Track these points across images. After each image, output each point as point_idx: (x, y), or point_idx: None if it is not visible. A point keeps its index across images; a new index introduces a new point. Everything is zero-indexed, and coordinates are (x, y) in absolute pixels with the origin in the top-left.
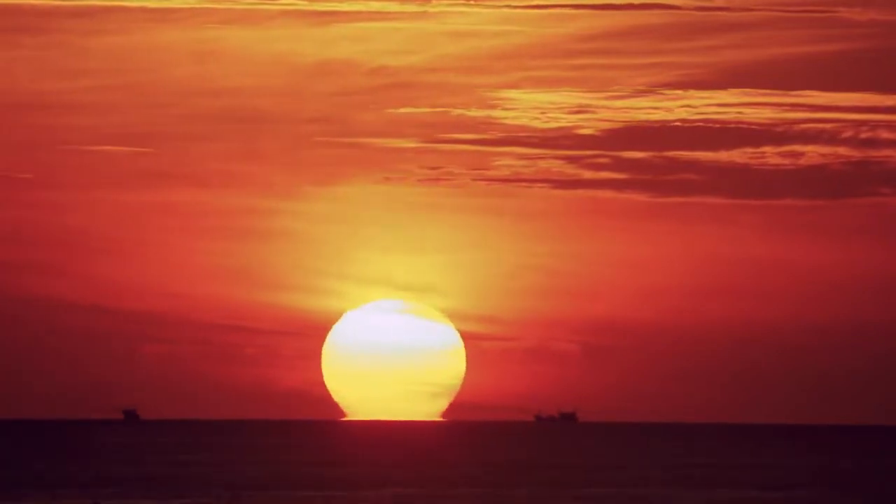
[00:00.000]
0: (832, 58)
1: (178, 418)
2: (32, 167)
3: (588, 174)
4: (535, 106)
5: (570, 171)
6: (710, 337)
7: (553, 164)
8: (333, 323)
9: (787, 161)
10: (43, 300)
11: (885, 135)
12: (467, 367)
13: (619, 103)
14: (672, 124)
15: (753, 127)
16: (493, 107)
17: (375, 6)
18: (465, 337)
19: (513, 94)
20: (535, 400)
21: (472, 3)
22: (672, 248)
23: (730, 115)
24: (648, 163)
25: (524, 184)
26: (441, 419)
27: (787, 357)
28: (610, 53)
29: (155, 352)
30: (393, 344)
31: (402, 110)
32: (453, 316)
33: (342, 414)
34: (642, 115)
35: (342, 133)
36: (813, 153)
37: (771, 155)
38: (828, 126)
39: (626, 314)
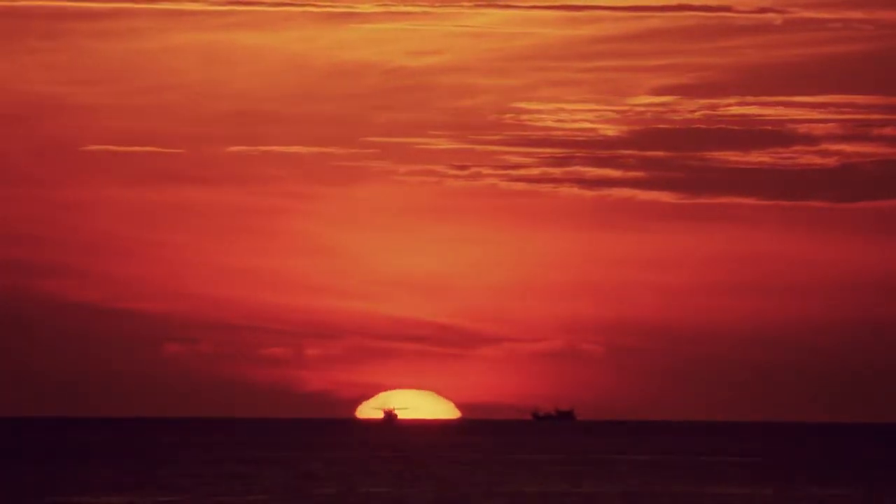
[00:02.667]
0: (860, 58)
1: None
2: (52, 169)
3: (615, 174)
4: (560, 107)
5: (598, 171)
6: (738, 336)
7: (580, 165)
8: (356, 324)
9: (815, 162)
10: (64, 300)
11: None
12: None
13: (645, 104)
14: (698, 125)
15: (781, 128)
16: (517, 109)
17: (394, 7)
18: (489, 338)
19: (537, 94)
20: (562, 401)
21: (496, 5)
22: (701, 247)
23: (758, 116)
24: (675, 163)
25: (551, 184)
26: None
27: (817, 357)
28: (635, 55)
29: (176, 351)
30: None
31: (424, 112)
32: (475, 316)
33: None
34: (669, 116)
35: (363, 133)
36: (841, 154)
37: (800, 156)
38: (857, 127)
39: (652, 314)
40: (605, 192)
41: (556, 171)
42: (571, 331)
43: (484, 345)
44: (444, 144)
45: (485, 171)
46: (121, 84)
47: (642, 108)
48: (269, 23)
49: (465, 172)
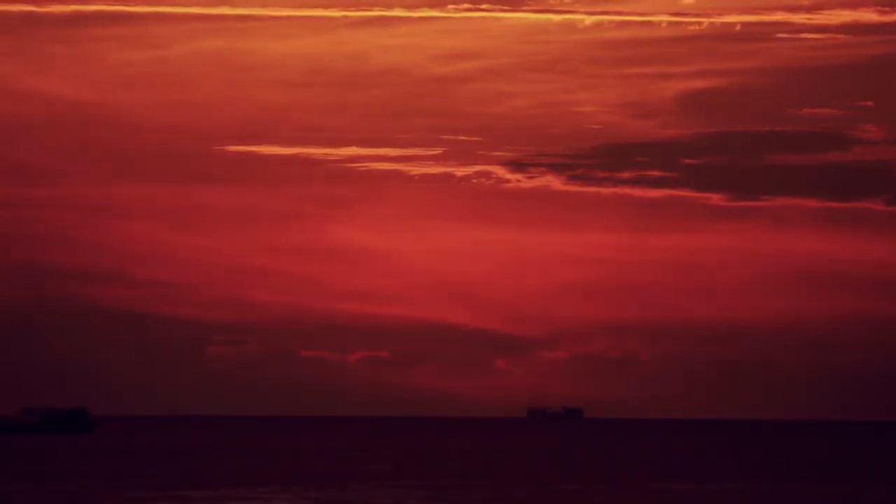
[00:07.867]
0: None
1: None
2: (86, 173)
3: (665, 176)
4: (600, 109)
5: (648, 173)
6: (787, 338)
7: (628, 167)
8: (399, 327)
9: (867, 164)
10: (103, 306)
11: None
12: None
13: (694, 107)
14: (749, 128)
15: (832, 130)
16: (556, 112)
17: (425, 13)
18: (534, 341)
19: (581, 97)
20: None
21: (530, 9)
22: (750, 249)
23: (810, 118)
24: (726, 165)
25: (600, 185)
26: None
27: (868, 358)
28: (675, 59)
29: (220, 353)
30: None
31: (459, 116)
32: (519, 318)
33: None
34: (719, 118)
35: (403, 136)
36: (894, 155)
37: (851, 158)
38: None
39: (701, 315)
40: (655, 193)
41: (605, 174)
42: (618, 333)
43: (528, 347)
44: (492, 148)
45: (535, 172)
46: (153, 89)
47: (690, 111)
48: (295, 27)
49: (517, 175)
